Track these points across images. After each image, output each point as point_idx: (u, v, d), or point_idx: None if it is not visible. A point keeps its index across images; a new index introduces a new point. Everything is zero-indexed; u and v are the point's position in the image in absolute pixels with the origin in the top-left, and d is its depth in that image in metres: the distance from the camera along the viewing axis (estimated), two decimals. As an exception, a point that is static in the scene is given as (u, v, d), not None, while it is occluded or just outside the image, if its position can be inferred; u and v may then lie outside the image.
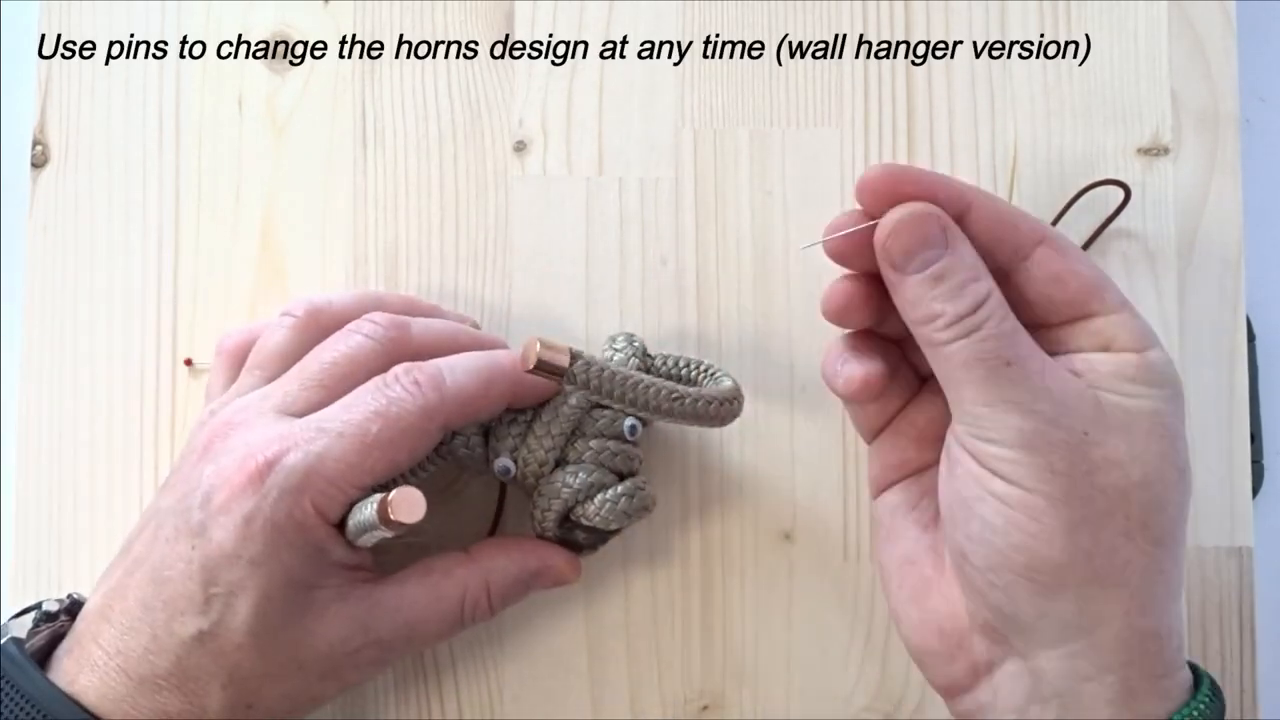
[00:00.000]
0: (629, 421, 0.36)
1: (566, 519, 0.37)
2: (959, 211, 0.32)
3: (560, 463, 0.36)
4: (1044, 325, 0.33)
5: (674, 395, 0.34)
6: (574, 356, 0.33)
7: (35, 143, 0.42)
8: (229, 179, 0.42)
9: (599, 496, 0.36)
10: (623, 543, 0.40)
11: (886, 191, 0.32)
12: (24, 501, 0.41)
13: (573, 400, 0.36)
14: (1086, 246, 0.40)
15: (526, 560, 0.36)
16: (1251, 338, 0.42)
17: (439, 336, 0.36)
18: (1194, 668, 0.33)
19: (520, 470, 0.36)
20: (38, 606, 0.35)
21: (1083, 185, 0.40)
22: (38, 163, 0.42)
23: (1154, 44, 0.42)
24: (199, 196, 0.42)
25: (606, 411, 0.36)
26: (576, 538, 0.37)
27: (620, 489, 0.36)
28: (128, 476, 0.40)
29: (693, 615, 0.40)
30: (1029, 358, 0.31)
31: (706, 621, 0.40)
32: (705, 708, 0.39)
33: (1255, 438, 0.44)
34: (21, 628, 0.34)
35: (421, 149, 0.42)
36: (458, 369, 0.34)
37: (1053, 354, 0.32)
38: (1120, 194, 0.40)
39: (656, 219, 0.41)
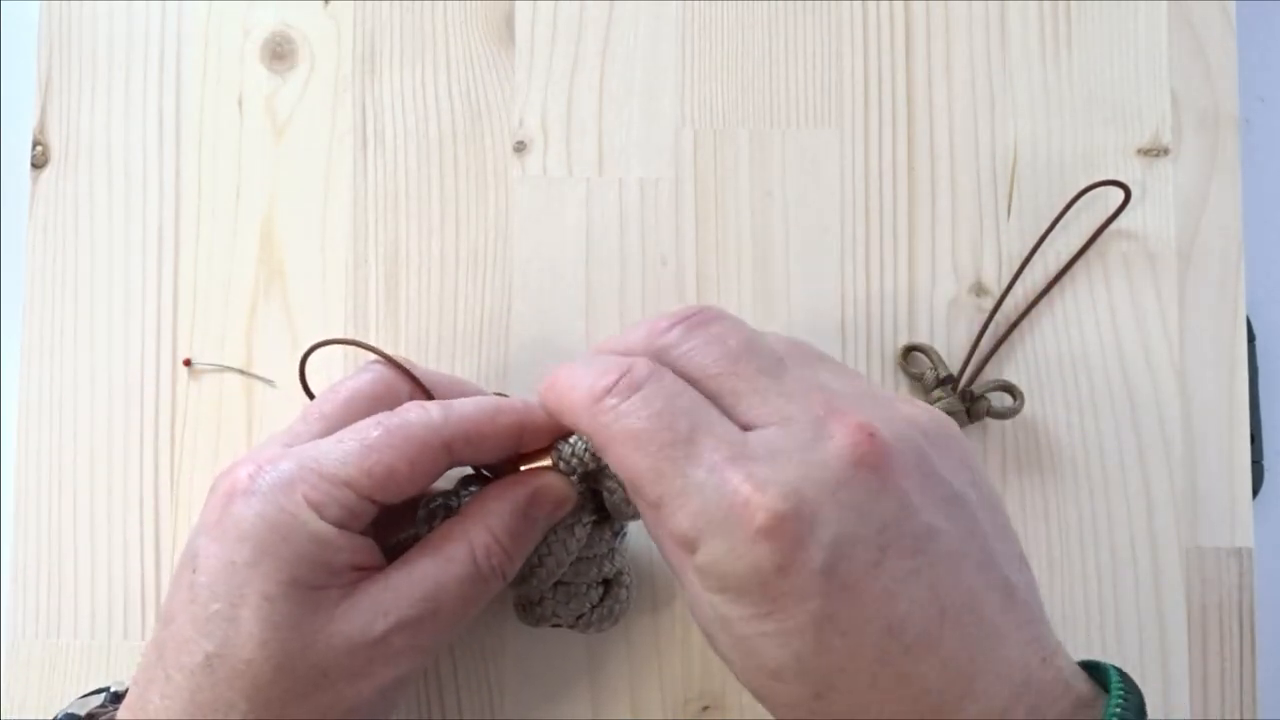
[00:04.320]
0: (620, 535, 0.37)
1: None
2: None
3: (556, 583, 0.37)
4: None
5: None
6: (555, 453, 0.34)
7: (35, 143, 0.42)
8: (229, 179, 0.42)
9: (586, 618, 0.37)
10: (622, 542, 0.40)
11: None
12: (24, 501, 0.40)
13: (577, 532, 0.36)
14: (1086, 247, 0.40)
15: (515, 493, 0.34)
16: (1251, 338, 0.42)
17: (449, 382, 0.37)
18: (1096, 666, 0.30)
19: (516, 588, 0.36)
20: (106, 689, 0.35)
21: (1083, 185, 0.40)
22: (38, 163, 0.42)
23: (1154, 44, 0.42)
24: (199, 196, 0.42)
25: (603, 531, 0.36)
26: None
27: (607, 606, 0.37)
28: (127, 476, 0.40)
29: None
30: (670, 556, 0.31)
31: (706, 621, 0.40)
32: (705, 708, 0.39)
33: (1255, 438, 0.44)
34: (84, 706, 0.34)
35: (421, 149, 0.42)
36: (465, 400, 0.34)
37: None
38: (1120, 194, 0.40)
39: (656, 219, 0.41)
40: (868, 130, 0.42)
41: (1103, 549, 0.40)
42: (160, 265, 0.41)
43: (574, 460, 0.34)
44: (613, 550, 0.37)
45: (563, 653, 0.40)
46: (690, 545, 0.27)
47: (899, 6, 0.42)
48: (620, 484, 0.35)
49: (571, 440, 0.34)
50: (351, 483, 0.31)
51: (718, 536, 0.27)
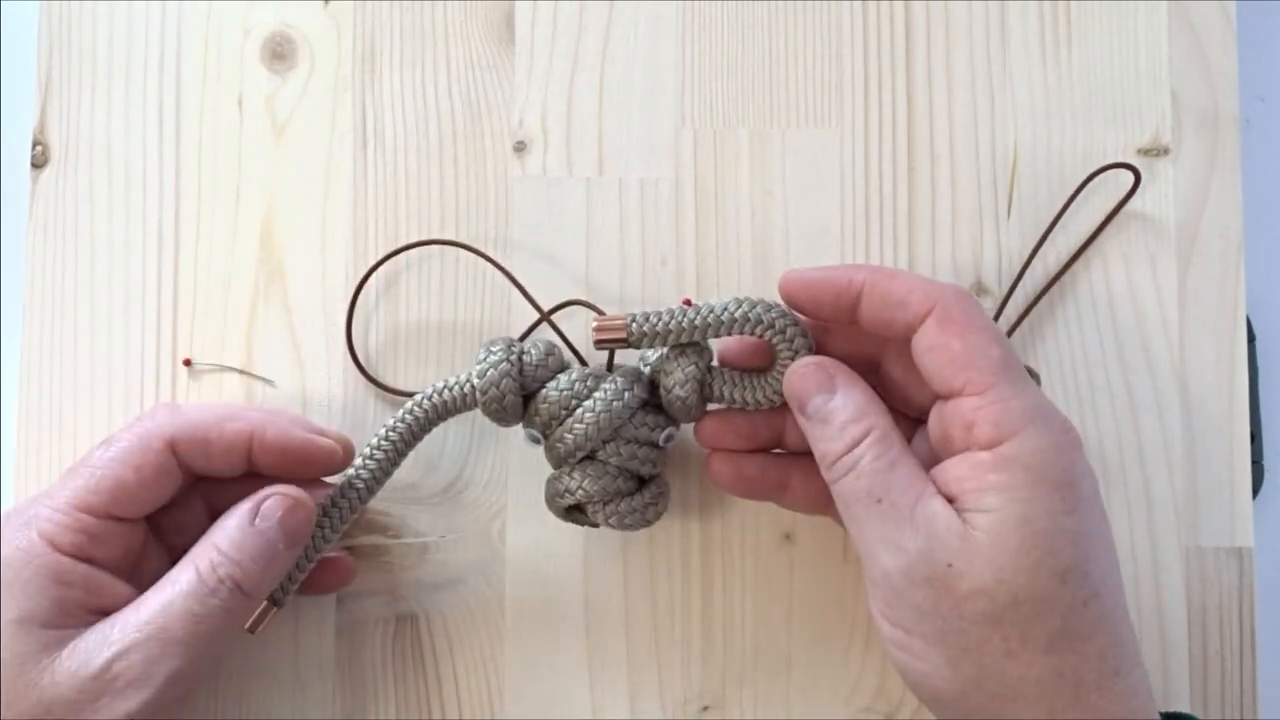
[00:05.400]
0: (666, 430, 0.37)
1: (577, 508, 0.37)
2: (849, 303, 0.34)
3: (587, 455, 0.36)
4: (941, 398, 0.33)
5: (724, 311, 0.35)
6: (629, 322, 0.35)
7: (35, 143, 0.42)
8: (229, 179, 0.42)
9: (614, 505, 0.36)
10: (623, 542, 0.40)
11: (792, 302, 0.35)
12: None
13: (626, 397, 0.36)
14: (1098, 233, 0.40)
15: (240, 506, 0.34)
16: (1251, 338, 0.42)
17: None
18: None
19: (547, 447, 0.36)
20: None
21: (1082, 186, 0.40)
22: (38, 163, 0.42)
23: (1154, 44, 0.42)
24: (199, 196, 0.42)
25: (650, 418, 0.36)
26: (584, 520, 0.38)
27: (639, 500, 0.37)
28: (128, 476, 0.40)
29: (693, 615, 0.40)
30: (902, 491, 0.31)
31: (706, 621, 0.40)
32: (705, 708, 0.39)
33: (1255, 438, 0.44)
34: None
35: (421, 149, 0.42)
36: (201, 405, 0.35)
37: (938, 437, 0.33)
38: (1130, 179, 0.40)
39: (656, 219, 0.41)
40: (868, 130, 0.42)
41: (1103, 549, 0.40)
42: (160, 265, 0.41)
43: (645, 328, 0.35)
44: (654, 446, 0.37)
45: (563, 653, 0.40)
46: (1003, 434, 0.31)
47: (899, 6, 0.42)
48: (683, 388, 0.35)
49: (648, 313, 0.35)
50: (81, 504, 0.33)
51: (1044, 432, 0.31)
